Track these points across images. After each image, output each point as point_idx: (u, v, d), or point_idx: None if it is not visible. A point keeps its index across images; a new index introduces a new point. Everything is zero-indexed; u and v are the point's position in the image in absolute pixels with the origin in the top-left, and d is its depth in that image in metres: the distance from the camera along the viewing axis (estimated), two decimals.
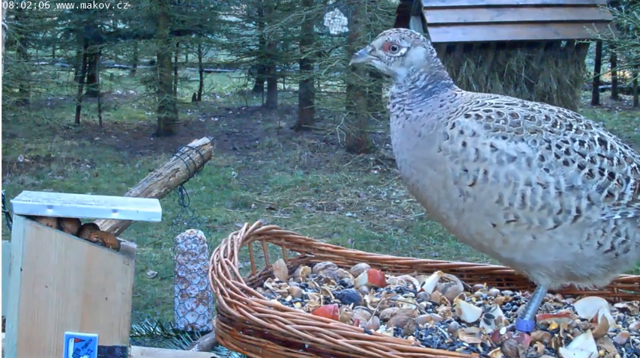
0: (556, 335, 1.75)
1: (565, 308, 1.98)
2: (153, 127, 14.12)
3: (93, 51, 14.61)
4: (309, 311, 1.77)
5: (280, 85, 17.63)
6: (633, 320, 1.91)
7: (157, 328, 3.52)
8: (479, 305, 1.94)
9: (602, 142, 1.77)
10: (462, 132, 1.74)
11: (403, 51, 1.90)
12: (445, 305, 1.94)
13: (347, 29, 12.34)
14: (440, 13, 9.43)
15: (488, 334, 1.76)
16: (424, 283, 2.06)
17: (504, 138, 1.71)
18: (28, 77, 12.44)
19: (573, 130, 1.75)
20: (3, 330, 1.93)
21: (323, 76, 12.16)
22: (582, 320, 1.89)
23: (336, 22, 12.71)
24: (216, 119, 15.54)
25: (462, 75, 9.37)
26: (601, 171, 1.72)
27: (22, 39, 12.75)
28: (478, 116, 1.75)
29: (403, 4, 10.41)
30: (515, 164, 1.69)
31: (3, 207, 2.08)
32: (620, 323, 1.90)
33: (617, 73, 16.57)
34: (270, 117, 15.55)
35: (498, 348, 1.68)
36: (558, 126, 1.75)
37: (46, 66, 15.63)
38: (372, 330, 1.67)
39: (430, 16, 9.36)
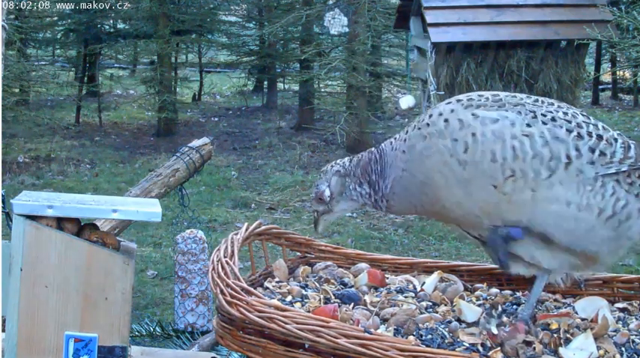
0: (556, 335, 1.75)
1: (565, 308, 1.98)
2: (153, 127, 14.12)
3: (93, 51, 14.60)
4: (309, 311, 1.77)
5: (280, 85, 17.62)
6: (633, 320, 1.91)
7: (157, 328, 3.52)
8: (479, 305, 1.94)
9: (584, 115, 1.83)
10: (440, 114, 1.81)
11: (327, 192, 1.95)
12: (445, 305, 1.94)
13: (347, 29, 12.34)
14: (440, 13, 9.42)
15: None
16: (424, 283, 2.06)
17: (487, 111, 1.78)
18: (28, 77, 12.44)
19: (556, 106, 1.82)
20: (3, 330, 1.93)
21: (323, 76, 12.16)
22: (582, 319, 1.89)
23: (336, 22, 12.71)
24: (216, 119, 15.54)
25: (462, 75, 9.37)
26: (589, 134, 1.77)
27: (22, 39, 12.74)
28: (458, 100, 1.82)
29: (403, 4, 10.41)
30: (499, 124, 1.75)
31: (3, 207, 2.08)
32: (620, 323, 1.90)
33: (617, 73, 16.56)
34: (270, 117, 15.55)
35: (498, 348, 1.68)
36: (540, 102, 1.82)
37: (46, 66, 15.62)
38: (372, 330, 1.67)
39: (430, 16, 9.35)
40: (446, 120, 1.78)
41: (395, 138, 1.92)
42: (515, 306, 1.97)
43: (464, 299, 1.94)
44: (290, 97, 16.86)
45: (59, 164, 11.31)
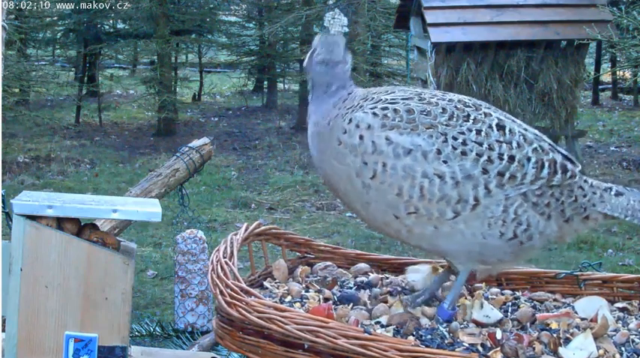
0: (555, 334, 1.75)
1: (565, 307, 1.98)
2: (153, 127, 14.12)
3: (93, 51, 14.61)
4: (307, 312, 1.77)
5: (280, 85, 17.62)
6: (633, 320, 1.91)
7: (157, 328, 3.52)
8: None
9: (501, 127, 1.79)
10: (357, 126, 1.79)
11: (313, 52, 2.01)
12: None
13: (347, 29, 12.32)
14: (440, 13, 9.43)
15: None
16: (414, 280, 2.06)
17: (401, 134, 1.75)
18: (28, 77, 12.43)
19: (470, 121, 1.78)
20: (3, 330, 1.93)
21: None
22: (582, 319, 1.89)
23: (336, 22, 12.70)
24: (216, 119, 15.54)
25: (462, 75, 9.37)
26: (500, 157, 1.76)
27: (22, 39, 12.74)
28: (375, 114, 1.79)
29: (403, 4, 10.42)
30: (411, 157, 1.73)
31: (3, 207, 2.08)
32: (620, 322, 1.90)
33: (617, 73, 16.56)
34: (270, 117, 15.55)
35: (498, 348, 1.68)
36: (455, 119, 1.78)
37: (46, 66, 15.63)
38: (372, 330, 1.67)
39: (430, 16, 9.36)
40: (361, 137, 1.77)
41: (347, 94, 1.90)
42: (515, 307, 1.97)
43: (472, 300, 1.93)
44: (290, 97, 16.86)
45: (59, 164, 11.30)
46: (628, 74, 16.18)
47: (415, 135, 1.74)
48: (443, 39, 9.28)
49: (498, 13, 9.51)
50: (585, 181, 1.86)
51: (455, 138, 1.74)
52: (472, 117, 1.79)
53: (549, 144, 1.84)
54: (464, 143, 1.74)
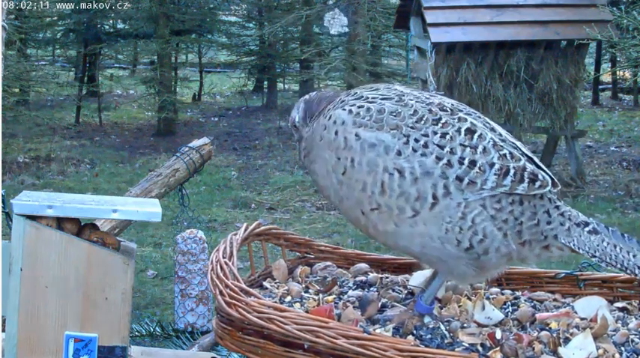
0: (555, 334, 1.75)
1: (564, 307, 1.98)
2: (153, 127, 14.12)
3: (93, 51, 14.62)
4: (307, 312, 1.77)
5: (280, 85, 17.63)
6: (633, 320, 1.91)
7: (157, 328, 3.52)
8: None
9: (470, 132, 1.77)
10: (334, 122, 1.82)
11: (297, 118, 2.00)
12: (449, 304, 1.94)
13: (347, 29, 12.35)
14: (440, 13, 9.43)
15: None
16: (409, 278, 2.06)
17: (367, 132, 1.77)
18: (28, 77, 12.44)
19: (440, 125, 1.77)
20: (3, 330, 1.93)
21: (323, 76, 12.17)
22: (582, 319, 1.89)
23: (336, 22, 12.72)
24: (216, 119, 15.55)
25: (462, 75, 9.37)
26: (460, 161, 1.73)
27: (22, 39, 12.75)
28: (350, 111, 1.81)
29: (403, 4, 10.42)
30: (374, 152, 1.75)
31: (3, 207, 2.08)
32: (620, 322, 1.90)
33: (617, 73, 16.57)
34: (270, 117, 15.55)
35: (498, 348, 1.68)
36: (423, 122, 1.77)
37: (46, 66, 15.64)
38: (371, 330, 1.67)
39: (430, 16, 9.36)
40: (336, 133, 1.80)
41: (340, 99, 1.90)
42: (515, 307, 1.97)
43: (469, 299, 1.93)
44: (290, 97, 16.86)
45: (59, 164, 11.31)
46: (628, 74, 16.19)
47: (380, 132, 1.76)
48: (443, 39, 9.28)
49: (498, 13, 9.51)
50: (557, 208, 1.81)
51: (417, 141, 1.74)
52: (443, 120, 1.77)
53: (526, 155, 1.80)
54: (425, 145, 1.74)
